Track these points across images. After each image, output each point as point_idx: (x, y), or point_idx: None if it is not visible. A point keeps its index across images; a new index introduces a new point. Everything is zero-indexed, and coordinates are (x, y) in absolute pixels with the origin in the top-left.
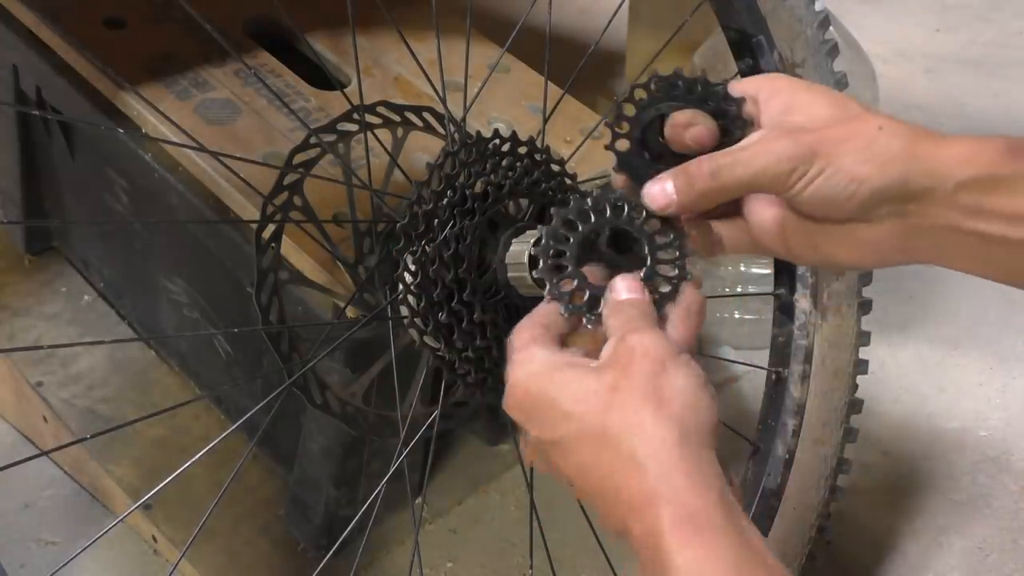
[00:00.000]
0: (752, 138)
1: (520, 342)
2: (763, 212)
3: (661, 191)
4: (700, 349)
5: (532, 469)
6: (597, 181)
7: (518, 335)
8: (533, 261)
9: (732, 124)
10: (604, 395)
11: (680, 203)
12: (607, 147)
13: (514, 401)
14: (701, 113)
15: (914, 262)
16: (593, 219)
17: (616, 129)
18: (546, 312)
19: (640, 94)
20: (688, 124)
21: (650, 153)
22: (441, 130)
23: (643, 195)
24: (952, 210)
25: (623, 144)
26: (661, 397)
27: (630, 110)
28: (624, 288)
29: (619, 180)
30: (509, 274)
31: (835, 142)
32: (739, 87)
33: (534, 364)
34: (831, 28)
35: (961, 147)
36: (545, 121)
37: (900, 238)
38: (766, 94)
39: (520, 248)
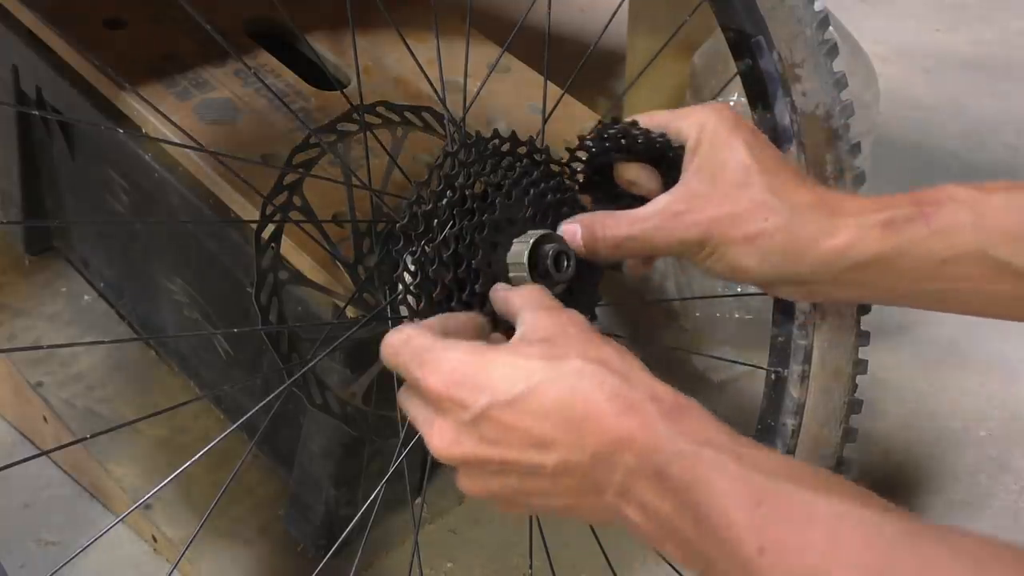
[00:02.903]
0: (655, 206)
1: (415, 347)
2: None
3: (571, 234)
4: (700, 349)
5: None
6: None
7: (406, 346)
8: (532, 261)
9: (672, 168)
10: (548, 352)
11: (584, 251)
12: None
13: (438, 392)
14: (643, 169)
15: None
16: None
17: (574, 167)
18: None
19: (588, 147)
20: (631, 181)
21: (604, 188)
22: (441, 130)
23: (560, 228)
24: (844, 287)
25: (582, 176)
26: (600, 357)
27: (583, 156)
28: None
29: (584, 199)
30: (510, 274)
31: (723, 230)
32: (675, 130)
33: (450, 352)
34: (831, 28)
35: (845, 233)
36: (545, 121)
37: (807, 296)
38: (693, 141)
39: (520, 248)
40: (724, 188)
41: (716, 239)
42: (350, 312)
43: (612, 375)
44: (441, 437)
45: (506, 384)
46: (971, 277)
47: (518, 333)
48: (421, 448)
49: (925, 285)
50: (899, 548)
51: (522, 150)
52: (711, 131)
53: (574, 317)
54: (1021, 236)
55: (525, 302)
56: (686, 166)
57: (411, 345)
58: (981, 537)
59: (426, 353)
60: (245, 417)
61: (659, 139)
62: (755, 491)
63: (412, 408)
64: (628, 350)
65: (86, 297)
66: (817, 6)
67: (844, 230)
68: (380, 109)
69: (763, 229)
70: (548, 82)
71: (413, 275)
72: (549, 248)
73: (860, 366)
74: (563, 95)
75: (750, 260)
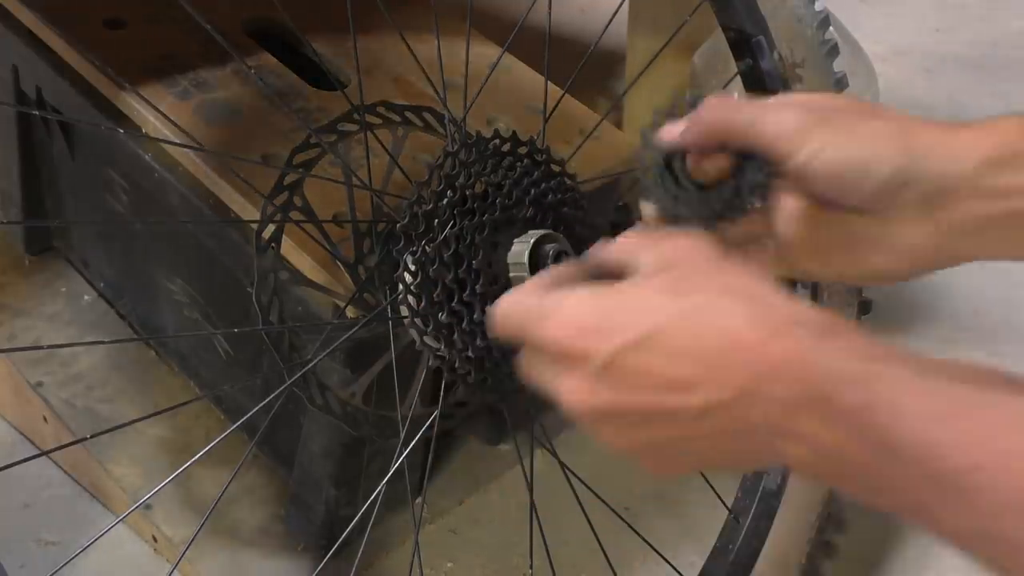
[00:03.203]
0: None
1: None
2: (790, 223)
3: (671, 129)
4: None
5: (532, 469)
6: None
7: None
8: (533, 262)
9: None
10: (673, 284)
11: (685, 131)
12: (639, 176)
13: (566, 336)
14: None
15: (954, 263)
16: None
17: (643, 156)
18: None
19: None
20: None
21: (674, 181)
22: (441, 130)
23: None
24: (977, 196)
25: (649, 174)
26: (732, 284)
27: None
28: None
29: (646, 209)
30: (511, 274)
31: (850, 115)
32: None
33: (567, 301)
34: (831, 28)
35: (977, 129)
36: (545, 121)
37: (934, 237)
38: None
39: (520, 248)
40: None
41: (843, 119)
42: (350, 312)
43: (748, 302)
44: (573, 392)
45: (633, 325)
46: None
47: (638, 271)
48: (421, 448)
49: None
50: None
51: (523, 150)
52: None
53: (697, 242)
54: None
55: (635, 245)
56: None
57: (523, 305)
58: None
59: (541, 308)
60: (245, 417)
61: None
62: (946, 402)
63: (536, 371)
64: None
65: (86, 297)
66: (818, 6)
67: (977, 126)
68: (380, 109)
69: (895, 118)
70: (548, 82)
71: (413, 275)
72: (549, 248)
73: None
74: (563, 95)
75: (884, 143)
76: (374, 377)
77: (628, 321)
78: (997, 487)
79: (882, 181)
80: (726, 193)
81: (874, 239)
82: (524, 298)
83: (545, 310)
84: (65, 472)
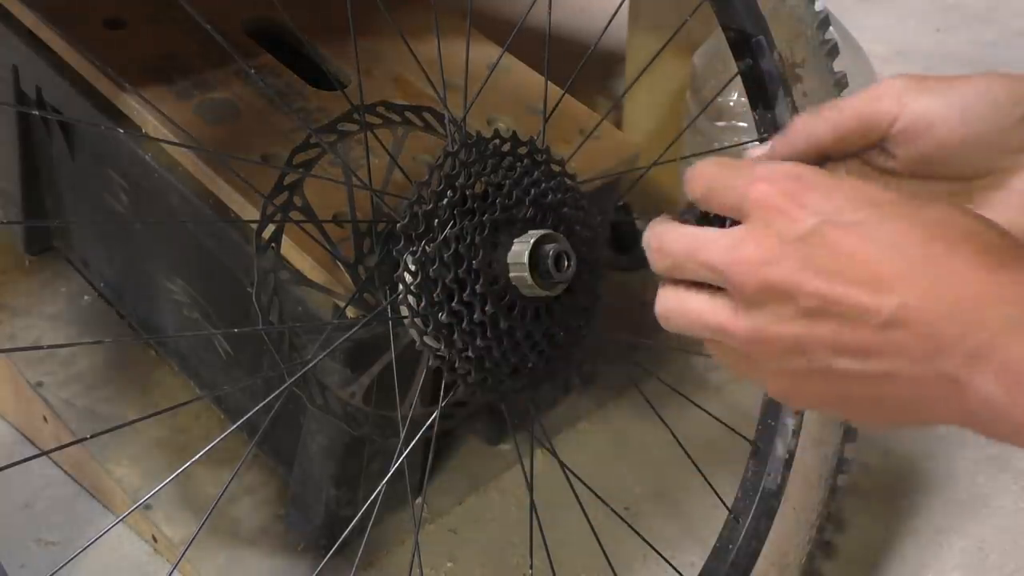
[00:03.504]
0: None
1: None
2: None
3: (761, 147)
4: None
5: (532, 469)
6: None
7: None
8: (533, 262)
9: None
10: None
11: (777, 148)
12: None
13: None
14: None
15: None
16: None
17: None
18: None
19: None
20: None
21: None
22: (441, 130)
23: (749, 153)
24: None
25: None
26: (969, 211)
27: None
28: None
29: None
30: (511, 274)
31: (947, 76)
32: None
33: (783, 165)
34: (831, 28)
35: None
36: (545, 121)
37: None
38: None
39: (521, 248)
40: None
41: (927, 83)
42: (350, 312)
43: (988, 228)
44: (753, 250)
45: (852, 205)
46: None
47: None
48: (421, 448)
49: None
50: None
51: (523, 150)
52: None
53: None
54: None
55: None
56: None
57: (726, 162)
58: None
59: (751, 166)
60: (245, 417)
61: None
62: None
63: (707, 234)
64: None
65: (86, 297)
66: (818, 6)
67: None
68: (380, 109)
69: (979, 76)
70: (548, 82)
71: (413, 275)
72: (550, 248)
73: None
74: (563, 95)
75: (976, 80)
76: (374, 377)
77: (848, 199)
78: None
79: (1009, 112)
80: None
81: (996, 197)
82: (729, 160)
83: (758, 166)
84: (65, 472)
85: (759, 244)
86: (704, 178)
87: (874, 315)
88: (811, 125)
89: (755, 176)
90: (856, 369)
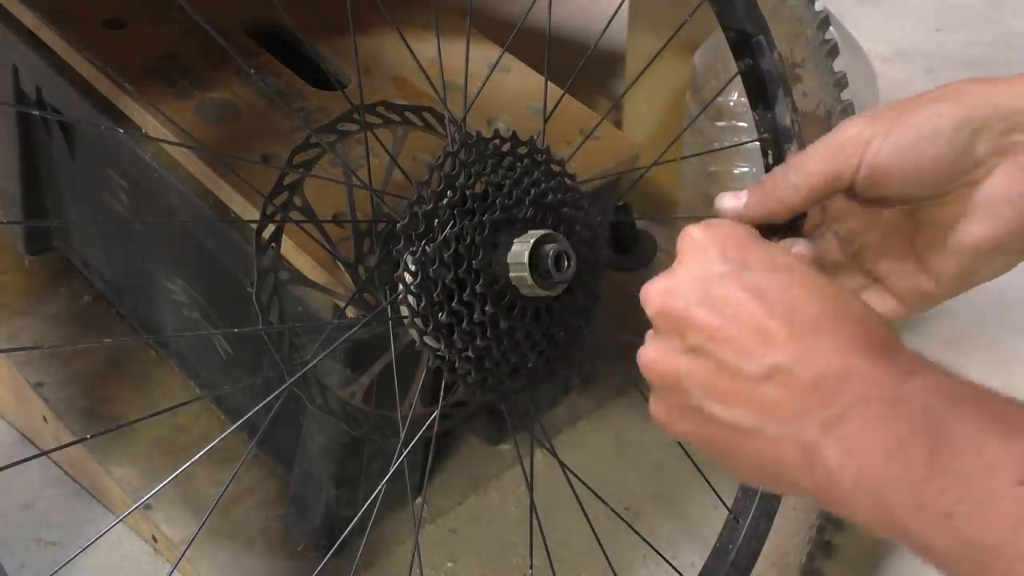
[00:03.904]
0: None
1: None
2: (890, 246)
3: (734, 196)
4: None
5: (532, 469)
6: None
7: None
8: (533, 262)
9: None
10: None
11: (750, 203)
12: None
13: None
14: None
15: None
16: None
17: None
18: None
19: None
20: None
21: None
22: (441, 130)
23: (717, 202)
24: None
25: None
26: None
27: None
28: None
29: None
30: (511, 274)
31: (890, 110)
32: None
33: (733, 225)
34: (831, 28)
35: None
36: (545, 121)
37: (1021, 183)
38: None
39: (521, 248)
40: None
41: (891, 113)
42: (350, 312)
43: (873, 317)
44: (669, 279)
45: (767, 265)
46: None
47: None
48: (421, 448)
49: None
50: None
51: (523, 150)
52: None
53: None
54: None
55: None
56: None
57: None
58: None
59: (713, 221)
60: (245, 417)
61: None
62: (1013, 419)
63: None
64: None
65: (86, 297)
66: (818, 6)
67: None
68: (380, 109)
69: (950, 85)
70: (548, 82)
71: (413, 275)
72: (549, 248)
73: None
74: (563, 95)
75: (945, 105)
76: (374, 377)
77: (766, 254)
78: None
79: (951, 133)
80: None
81: (961, 210)
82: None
83: (715, 221)
84: (65, 472)
85: (671, 276)
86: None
87: (751, 366)
88: (781, 191)
89: (696, 224)
90: (725, 416)
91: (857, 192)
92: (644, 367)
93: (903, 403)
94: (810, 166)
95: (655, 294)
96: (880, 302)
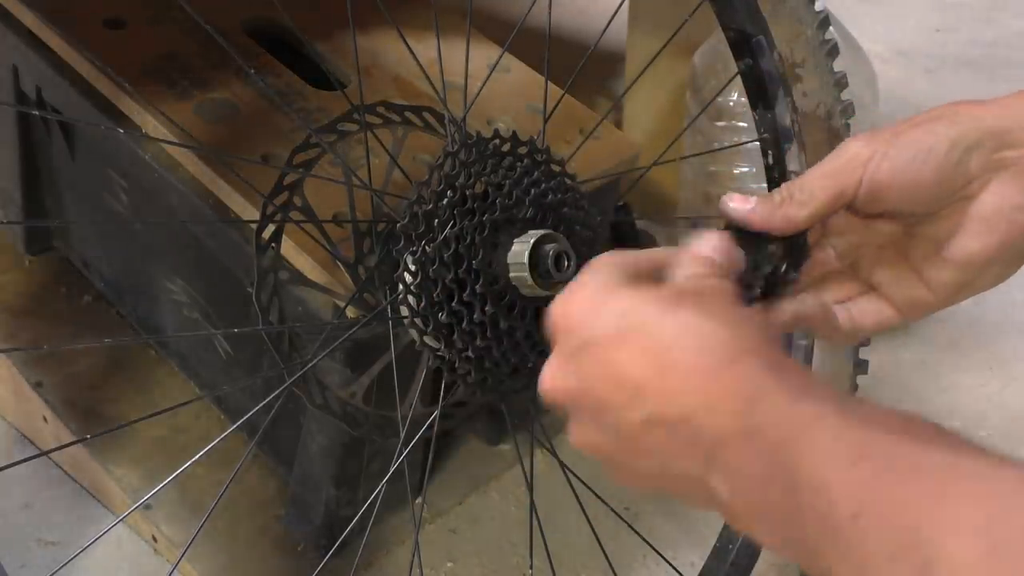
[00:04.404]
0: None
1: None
2: (883, 268)
3: (743, 199)
4: None
5: (532, 469)
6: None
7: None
8: (533, 262)
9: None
10: (671, 298)
11: (757, 210)
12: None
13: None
14: None
15: None
16: None
17: None
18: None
19: None
20: None
21: None
22: (441, 130)
23: (724, 201)
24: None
25: None
26: (717, 311)
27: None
28: (708, 247)
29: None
30: (511, 274)
31: (888, 131)
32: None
33: (582, 289)
34: (831, 28)
35: (1003, 99)
36: (545, 121)
37: (1018, 193)
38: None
39: (521, 248)
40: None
41: (888, 135)
42: (350, 312)
43: (721, 327)
44: (547, 367)
45: (615, 318)
46: None
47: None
48: (421, 448)
49: None
50: (1017, 503)
51: (523, 150)
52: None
53: (721, 283)
54: None
55: (687, 259)
56: None
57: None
58: None
59: (565, 292)
60: (245, 417)
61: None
62: (854, 446)
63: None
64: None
65: (86, 297)
66: (818, 6)
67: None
68: (380, 109)
69: (931, 113)
70: (548, 82)
71: (413, 275)
72: (550, 248)
73: (860, 366)
74: (563, 95)
75: (941, 124)
76: (374, 377)
77: (614, 315)
78: (871, 536)
79: (944, 153)
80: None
81: (956, 225)
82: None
83: (567, 291)
84: (65, 472)
85: (550, 364)
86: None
87: (635, 414)
88: (787, 207)
89: (558, 304)
90: (639, 468)
91: (857, 207)
92: (574, 447)
93: (758, 438)
94: (815, 185)
95: (542, 382)
96: (876, 310)
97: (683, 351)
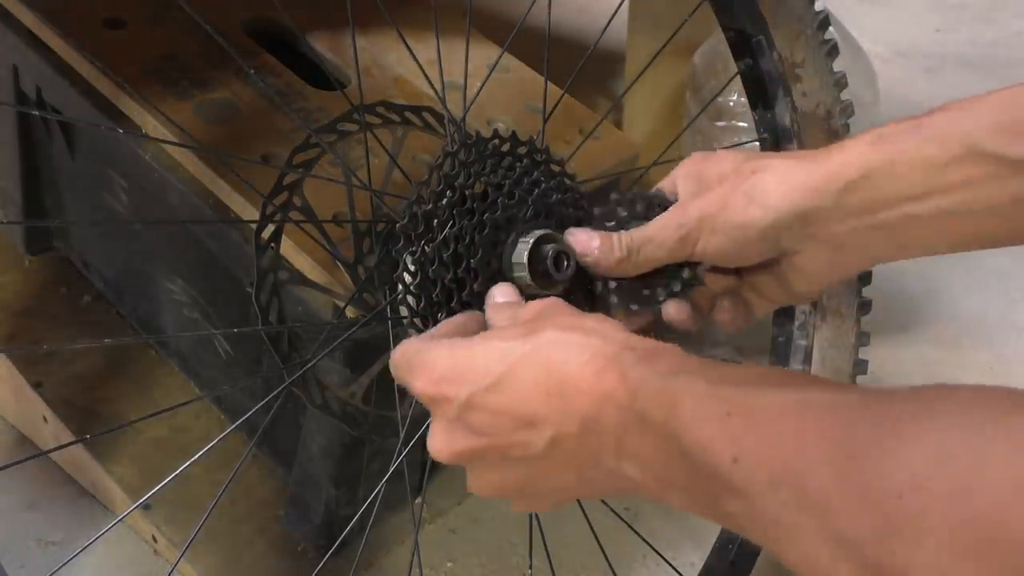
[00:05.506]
0: (657, 219)
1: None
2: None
3: (587, 241)
4: (700, 350)
5: None
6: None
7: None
8: (532, 262)
9: None
10: (524, 330)
11: (596, 260)
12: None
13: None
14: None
15: (862, 270)
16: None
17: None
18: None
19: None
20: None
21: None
22: (441, 130)
23: (568, 235)
24: (848, 216)
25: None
26: (574, 324)
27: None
28: (499, 293)
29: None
30: (512, 274)
31: (718, 201)
32: (665, 184)
33: (433, 352)
34: (831, 28)
35: (836, 155)
36: (545, 121)
37: (830, 254)
38: (682, 180)
39: (520, 248)
40: (715, 177)
41: (713, 209)
42: (350, 312)
43: (587, 337)
44: (435, 438)
45: (485, 370)
46: (969, 181)
47: (494, 327)
48: (421, 448)
49: (925, 203)
50: (860, 417)
51: (522, 150)
52: (696, 160)
53: (554, 300)
54: (1012, 128)
55: (496, 309)
56: (681, 193)
57: (404, 354)
58: (940, 386)
59: (414, 358)
60: (245, 417)
61: (653, 197)
62: (724, 403)
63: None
64: (608, 317)
65: (86, 297)
66: (818, 6)
67: (834, 153)
68: (380, 109)
69: (756, 179)
70: (548, 82)
71: (413, 275)
72: (549, 248)
73: (860, 366)
74: (563, 95)
75: (752, 210)
76: (374, 377)
77: (481, 366)
78: (751, 473)
79: (757, 238)
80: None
81: (789, 273)
82: (407, 345)
83: (416, 360)
84: (65, 472)
85: (436, 431)
86: (394, 371)
87: (537, 446)
88: (624, 266)
89: (416, 373)
90: (555, 486)
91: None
92: (479, 495)
93: (647, 423)
94: (651, 256)
95: (438, 452)
96: (761, 306)
97: (562, 368)
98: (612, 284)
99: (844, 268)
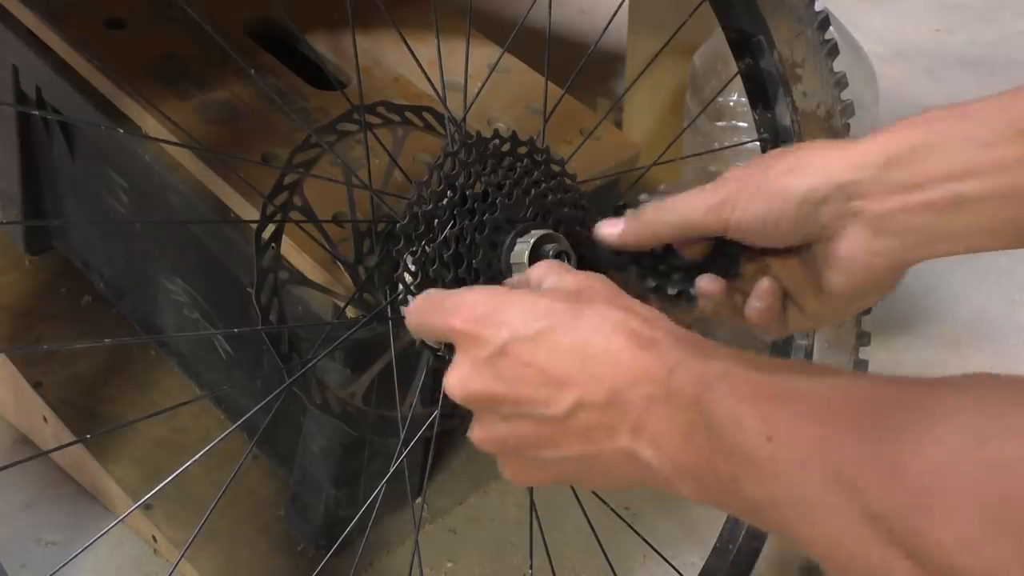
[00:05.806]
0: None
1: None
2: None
3: (611, 223)
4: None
5: None
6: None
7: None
8: (533, 262)
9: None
10: (572, 297)
11: (623, 231)
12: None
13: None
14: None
15: (902, 266)
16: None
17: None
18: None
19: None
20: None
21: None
22: (441, 130)
23: (596, 228)
24: (891, 193)
25: None
26: (626, 305)
27: None
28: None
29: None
30: (511, 274)
31: (758, 172)
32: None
33: (471, 294)
34: (831, 28)
35: (877, 136)
36: (545, 121)
37: (868, 240)
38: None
39: (521, 248)
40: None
41: (756, 175)
42: (350, 312)
43: (635, 318)
44: (455, 373)
45: (527, 321)
46: (1020, 160)
47: (542, 286)
48: (421, 448)
49: (973, 182)
50: (894, 399)
51: (522, 150)
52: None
53: (601, 276)
54: None
55: (547, 269)
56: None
57: (431, 299)
58: (973, 373)
59: (447, 300)
60: (245, 417)
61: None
62: (759, 387)
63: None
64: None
65: (86, 297)
66: (818, 6)
67: (879, 133)
68: (380, 109)
69: (800, 153)
70: (548, 82)
71: (413, 275)
72: (549, 248)
73: (860, 366)
74: (563, 95)
75: (790, 178)
76: (374, 377)
77: (524, 316)
78: (783, 450)
79: (795, 207)
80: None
81: (824, 264)
82: (433, 292)
83: (451, 301)
84: (65, 472)
85: (459, 368)
86: (413, 315)
87: (557, 407)
88: (656, 226)
89: (451, 311)
90: (558, 456)
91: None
92: (478, 445)
93: (677, 397)
94: (685, 214)
95: (455, 387)
96: (795, 318)
97: (603, 340)
98: (633, 270)
99: (882, 262)
